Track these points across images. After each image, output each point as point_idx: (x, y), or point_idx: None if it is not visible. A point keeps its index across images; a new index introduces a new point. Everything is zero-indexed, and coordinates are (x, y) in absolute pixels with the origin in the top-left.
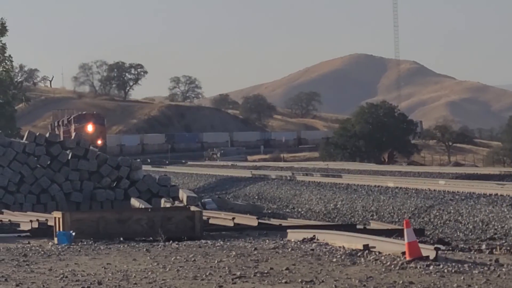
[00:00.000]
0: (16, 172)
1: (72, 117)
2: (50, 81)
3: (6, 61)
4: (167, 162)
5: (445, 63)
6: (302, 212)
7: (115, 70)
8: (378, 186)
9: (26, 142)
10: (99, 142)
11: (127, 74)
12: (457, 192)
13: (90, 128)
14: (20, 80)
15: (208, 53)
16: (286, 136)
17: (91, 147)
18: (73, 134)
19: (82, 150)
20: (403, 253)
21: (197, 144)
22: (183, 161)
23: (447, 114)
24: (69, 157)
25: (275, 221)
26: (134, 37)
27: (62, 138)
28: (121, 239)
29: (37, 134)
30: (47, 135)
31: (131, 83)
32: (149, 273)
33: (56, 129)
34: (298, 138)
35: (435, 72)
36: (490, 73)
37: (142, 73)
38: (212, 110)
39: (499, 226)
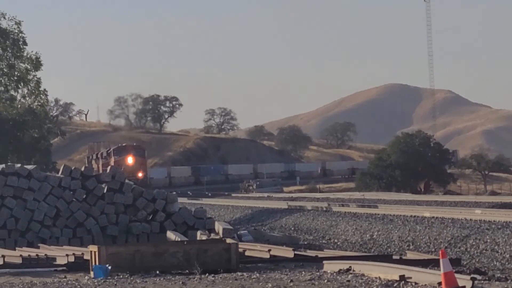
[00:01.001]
0: (52, 206)
1: (111, 149)
2: (86, 115)
3: (41, 96)
4: (209, 194)
5: (480, 92)
6: (338, 243)
7: (150, 103)
8: (414, 216)
9: (61, 176)
10: (140, 174)
11: (162, 107)
12: (494, 221)
13: (130, 160)
14: (55, 114)
15: (242, 85)
16: (310, 167)
17: (126, 180)
18: (113, 167)
19: (118, 183)
20: (439, 283)
21: (222, 176)
22: (208, 193)
23: (483, 143)
24: (105, 191)
25: (311, 253)
26: (169, 69)
27: (101, 171)
28: (157, 272)
29: (72, 168)
30: (83, 168)
31: (166, 116)
32: None
33: (93, 162)
34: (323, 169)
35: (470, 101)
36: None
37: (177, 105)
38: (247, 142)
39: None
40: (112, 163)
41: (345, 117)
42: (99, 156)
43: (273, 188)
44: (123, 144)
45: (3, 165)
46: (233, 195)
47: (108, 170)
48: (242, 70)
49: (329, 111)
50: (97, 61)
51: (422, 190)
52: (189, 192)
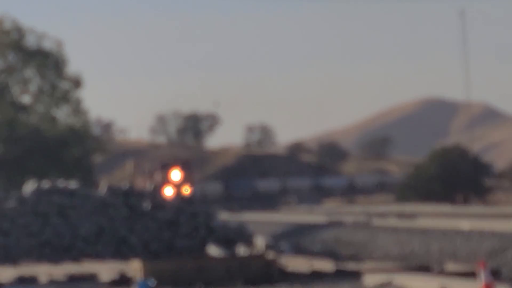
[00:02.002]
0: (96, 223)
1: (157, 165)
2: (127, 133)
3: (82, 114)
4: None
5: None
6: (378, 256)
7: (190, 120)
8: (454, 228)
9: (104, 193)
10: (187, 189)
11: (201, 124)
12: None
13: (177, 175)
14: (97, 132)
15: (282, 100)
16: (338, 182)
17: (166, 196)
18: (157, 183)
19: (160, 199)
20: None
21: (250, 191)
22: (235, 209)
23: None
24: (148, 207)
25: (351, 265)
26: (209, 84)
27: (145, 187)
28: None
29: (115, 185)
30: (125, 185)
31: (206, 133)
32: None
33: (138, 178)
34: (350, 184)
35: (507, 113)
36: None
37: (216, 122)
38: (287, 158)
39: None
40: (158, 179)
41: (383, 131)
42: (144, 172)
43: (313, 202)
44: (169, 160)
45: (47, 183)
46: (273, 209)
47: (152, 187)
48: (280, 84)
49: (367, 125)
50: (138, 79)
51: (461, 202)
52: (229, 207)
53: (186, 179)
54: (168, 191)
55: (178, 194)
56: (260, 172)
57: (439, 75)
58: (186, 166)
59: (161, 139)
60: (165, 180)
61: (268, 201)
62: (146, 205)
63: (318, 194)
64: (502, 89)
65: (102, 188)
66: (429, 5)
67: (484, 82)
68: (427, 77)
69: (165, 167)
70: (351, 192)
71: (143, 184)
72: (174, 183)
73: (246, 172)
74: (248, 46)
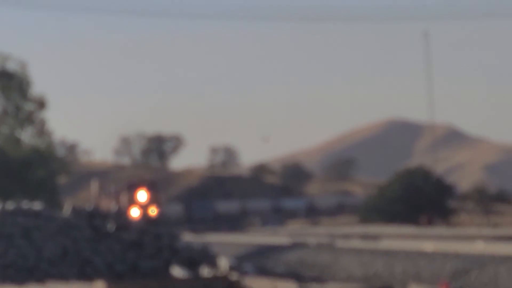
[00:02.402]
0: (60, 244)
1: (123, 185)
2: (91, 154)
3: (47, 136)
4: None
5: (480, 126)
6: (342, 278)
7: (154, 141)
8: (417, 250)
9: (69, 214)
10: (153, 210)
11: (165, 145)
12: (496, 254)
13: (143, 196)
14: (61, 153)
15: (245, 121)
16: (298, 203)
17: (132, 217)
18: (123, 204)
19: (124, 220)
20: None
21: (210, 213)
22: (198, 230)
23: (484, 176)
24: (112, 229)
25: (315, 287)
26: (172, 106)
27: (110, 208)
28: None
29: (79, 206)
30: (90, 207)
31: (170, 154)
32: None
33: (102, 199)
34: (309, 205)
35: (470, 135)
36: None
37: (180, 143)
38: (251, 179)
39: None
40: (124, 199)
41: (347, 152)
42: (109, 193)
43: (276, 223)
44: (135, 180)
45: (11, 204)
46: (236, 231)
47: (117, 208)
48: (244, 105)
49: (331, 146)
50: (101, 100)
51: (424, 224)
52: (192, 228)
53: (152, 200)
54: (134, 212)
55: (145, 215)
56: (224, 194)
57: (403, 96)
58: (152, 187)
59: (125, 161)
60: (131, 201)
61: (230, 223)
62: (110, 226)
63: (282, 216)
64: (466, 111)
65: (67, 209)
66: (393, 27)
67: (448, 103)
68: (391, 99)
69: (131, 188)
70: (314, 213)
71: (108, 205)
72: (140, 204)
73: (209, 193)
74: (212, 68)
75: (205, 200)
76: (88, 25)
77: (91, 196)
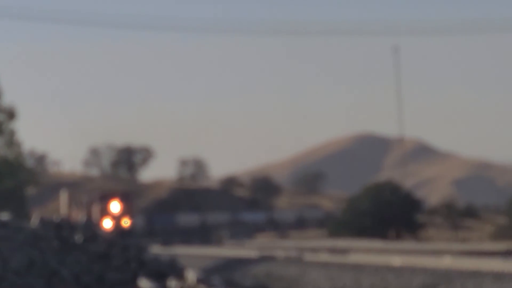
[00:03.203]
0: (27, 255)
1: (94, 196)
2: (60, 165)
3: (16, 146)
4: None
5: (449, 141)
6: None
7: (123, 153)
8: (385, 264)
9: (36, 225)
10: (126, 222)
11: (135, 157)
12: (464, 269)
13: (116, 207)
14: (30, 164)
15: (215, 133)
16: (256, 217)
17: (107, 228)
18: (95, 214)
19: (92, 232)
20: None
21: (171, 226)
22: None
23: (453, 191)
24: (80, 240)
25: None
26: (143, 117)
27: (78, 219)
28: None
29: (47, 217)
30: (58, 218)
31: (139, 166)
32: None
33: (72, 210)
34: (270, 218)
35: (440, 150)
36: (494, 149)
37: (150, 155)
38: (220, 192)
39: None
40: (96, 210)
41: (316, 165)
42: (80, 204)
43: (244, 237)
44: (108, 191)
45: None
46: (205, 243)
47: (85, 219)
48: (214, 117)
49: (301, 159)
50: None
51: (393, 238)
52: (160, 241)
53: (125, 211)
54: (107, 223)
55: (117, 226)
56: (193, 206)
57: (373, 110)
58: (125, 198)
59: (95, 172)
60: (104, 212)
61: (193, 235)
62: (78, 237)
63: (249, 229)
64: (435, 126)
65: (35, 220)
66: (363, 41)
67: (417, 118)
68: (361, 113)
69: (104, 199)
70: (282, 227)
71: (77, 216)
72: (113, 215)
73: (178, 205)
74: (181, 79)
75: (166, 213)
76: (58, 34)
77: (60, 206)
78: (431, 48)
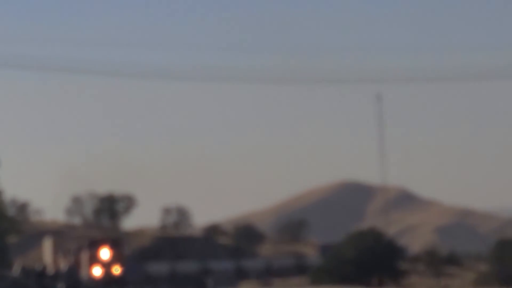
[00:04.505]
0: None
1: (84, 243)
2: (42, 213)
3: None
4: None
5: (432, 188)
6: None
7: (106, 201)
8: None
9: (18, 274)
10: (117, 269)
11: (118, 205)
12: None
13: (105, 254)
14: (12, 212)
15: (199, 181)
16: (224, 265)
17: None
18: (84, 262)
19: (74, 280)
20: None
21: (140, 275)
22: None
23: (436, 239)
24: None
25: None
26: (125, 164)
27: (64, 267)
28: None
29: (29, 266)
30: (39, 266)
31: (122, 214)
32: None
33: (59, 258)
34: (237, 267)
35: (422, 197)
36: (476, 197)
37: (132, 204)
38: (203, 240)
39: None
40: (84, 258)
41: (299, 213)
42: (67, 251)
43: (228, 285)
44: (96, 238)
45: None
46: None
47: (67, 267)
48: (197, 166)
49: (284, 207)
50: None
51: (376, 286)
52: None
53: (116, 258)
54: (96, 271)
55: (107, 274)
56: (176, 255)
57: (356, 158)
58: (115, 245)
59: (77, 220)
60: (93, 260)
61: (178, 284)
62: (61, 285)
63: (234, 277)
64: (418, 173)
65: (16, 268)
66: (346, 88)
67: (400, 166)
68: (343, 161)
69: (93, 246)
70: (264, 274)
71: (60, 264)
72: (103, 262)
73: (161, 254)
74: (164, 127)
75: (135, 262)
76: (39, 80)
77: (44, 254)
78: (414, 95)
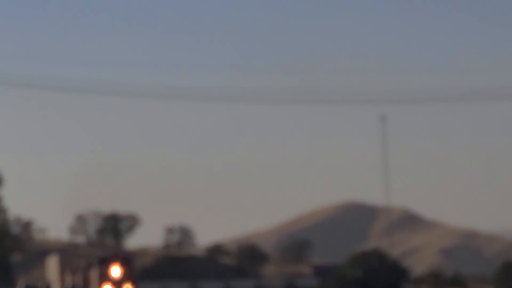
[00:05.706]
0: None
1: (93, 261)
2: (46, 232)
3: (2, 213)
4: None
5: (436, 209)
6: None
7: (109, 220)
8: None
9: None
10: (128, 286)
11: (121, 224)
12: None
13: (116, 272)
14: (16, 231)
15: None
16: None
17: None
18: (93, 280)
19: None
20: None
21: None
22: None
23: (440, 260)
24: None
25: None
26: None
27: (67, 285)
28: None
29: (32, 284)
30: (42, 284)
31: (125, 233)
32: None
33: (66, 275)
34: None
35: (426, 219)
36: (481, 218)
37: (136, 223)
38: (206, 260)
39: None
40: (94, 276)
41: (303, 234)
42: (76, 268)
43: None
44: (106, 255)
45: None
46: None
47: (71, 286)
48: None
49: (287, 228)
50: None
51: None
52: None
53: (127, 276)
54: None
55: None
56: (178, 274)
57: (360, 179)
58: (126, 262)
59: (81, 239)
60: (104, 278)
61: None
62: None
63: None
64: (422, 195)
65: (20, 286)
66: (350, 109)
67: (404, 187)
68: (347, 181)
69: (104, 263)
70: None
71: (78, 281)
72: (114, 280)
73: (164, 273)
74: (166, 146)
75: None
76: (39, 102)
77: (49, 272)
78: (418, 116)
